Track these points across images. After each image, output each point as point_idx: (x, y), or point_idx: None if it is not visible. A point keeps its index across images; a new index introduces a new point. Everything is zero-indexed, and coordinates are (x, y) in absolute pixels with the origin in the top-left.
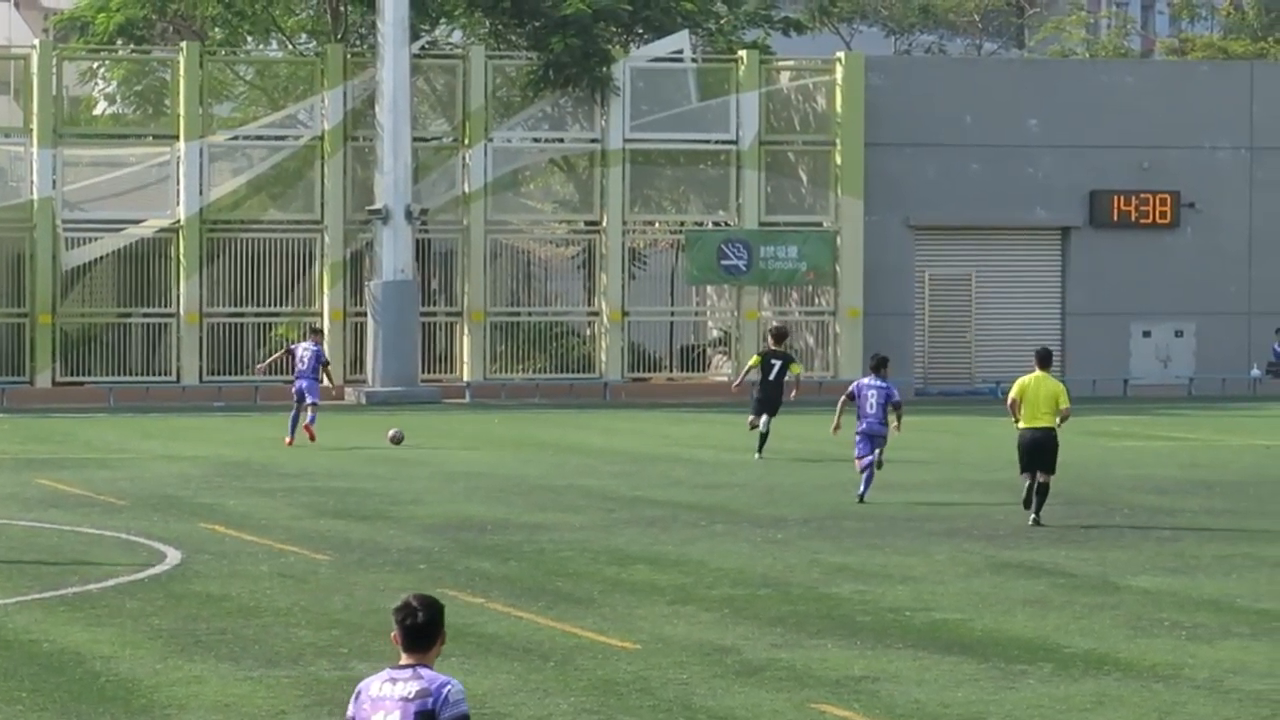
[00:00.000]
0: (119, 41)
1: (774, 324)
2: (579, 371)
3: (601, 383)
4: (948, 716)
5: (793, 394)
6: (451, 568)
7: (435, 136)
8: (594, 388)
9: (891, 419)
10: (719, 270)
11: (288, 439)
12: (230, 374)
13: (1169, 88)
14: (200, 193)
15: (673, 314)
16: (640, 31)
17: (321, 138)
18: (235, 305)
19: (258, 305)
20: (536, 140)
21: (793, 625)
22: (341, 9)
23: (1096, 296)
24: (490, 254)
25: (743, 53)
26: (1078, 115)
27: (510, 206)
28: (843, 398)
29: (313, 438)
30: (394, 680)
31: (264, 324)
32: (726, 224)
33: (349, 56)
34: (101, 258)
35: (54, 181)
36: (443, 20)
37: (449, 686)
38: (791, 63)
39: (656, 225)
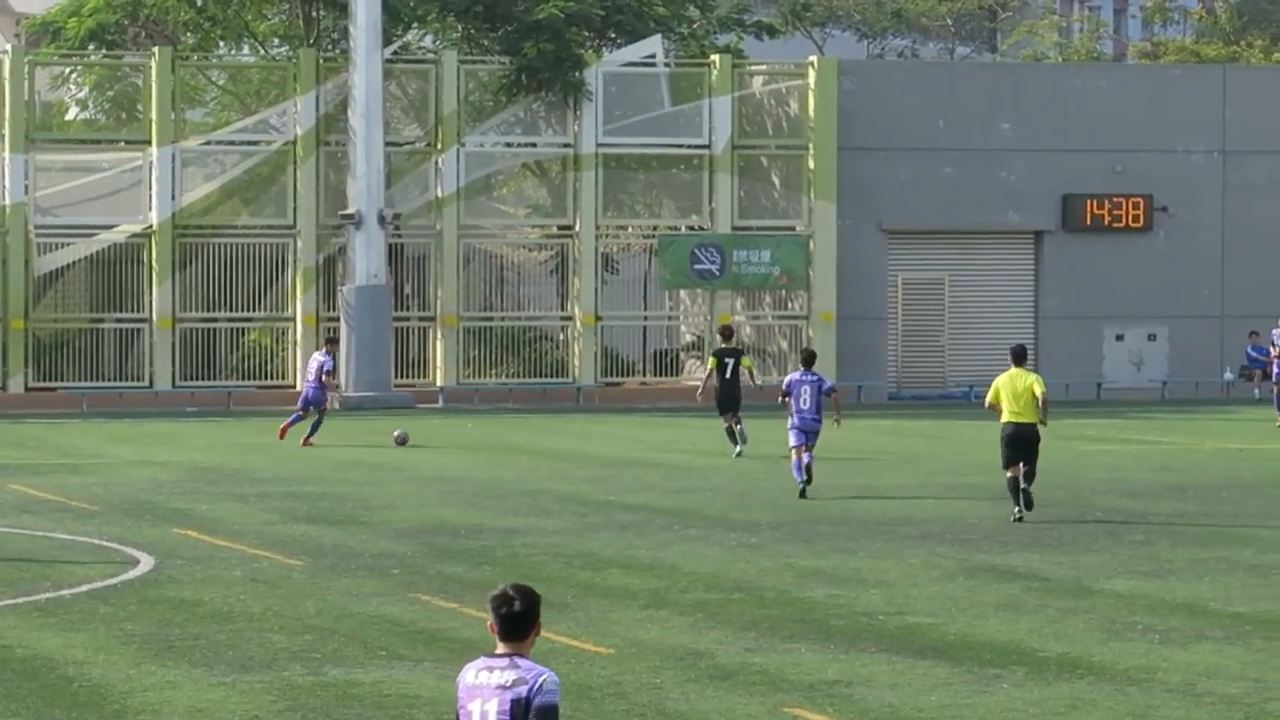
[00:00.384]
0: (91, 47)
1: (722, 323)
2: (552, 376)
3: (574, 387)
4: None
5: (758, 383)
6: (425, 572)
7: (408, 141)
8: (567, 392)
9: (830, 411)
10: (692, 275)
11: (280, 431)
12: (203, 379)
13: (1142, 92)
14: (173, 198)
15: (646, 318)
16: (613, 36)
17: (294, 143)
18: (208, 310)
19: (230, 310)
20: (509, 145)
21: (766, 629)
22: (314, 14)
23: (1069, 300)
24: (463, 259)
25: (715, 57)
26: (1050, 119)
27: (483, 211)
28: (781, 396)
29: (305, 444)
30: (490, 669)
31: (237, 329)
32: (699, 228)
33: (321, 61)
34: (74, 263)
35: (26, 187)
36: (415, 25)
37: (544, 676)
38: (764, 67)
39: (629, 230)
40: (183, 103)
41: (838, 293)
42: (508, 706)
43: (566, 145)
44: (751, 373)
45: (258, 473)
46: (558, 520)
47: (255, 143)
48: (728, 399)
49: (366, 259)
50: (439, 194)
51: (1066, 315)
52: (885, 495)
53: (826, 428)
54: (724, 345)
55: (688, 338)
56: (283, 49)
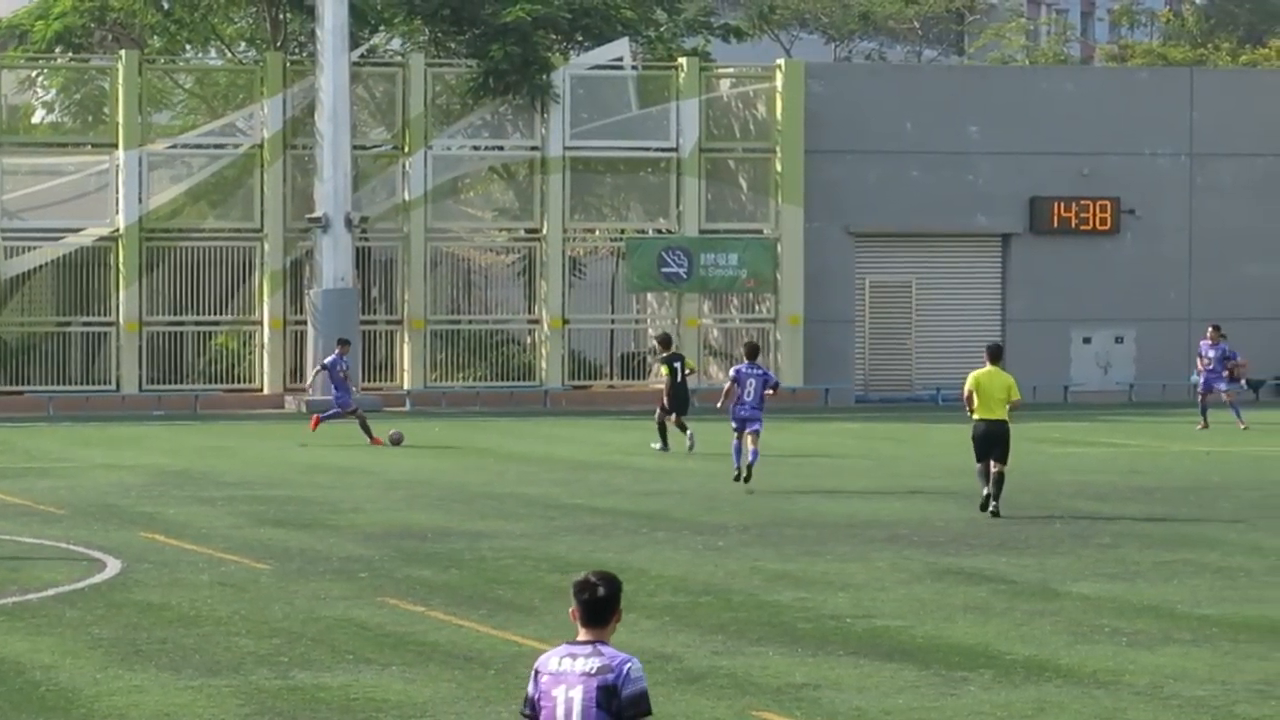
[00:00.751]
0: (57, 50)
1: (661, 334)
2: (519, 379)
3: (542, 390)
4: None
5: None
6: (392, 576)
7: (375, 144)
8: (534, 395)
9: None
10: (659, 278)
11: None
12: (170, 383)
13: (1109, 94)
14: (139, 201)
15: (613, 321)
16: (580, 39)
17: (261, 146)
18: (175, 314)
19: (197, 314)
20: (476, 148)
21: (734, 633)
22: (281, 17)
23: (1037, 303)
24: (430, 262)
25: (683, 60)
26: (1018, 122)
27: (450, 214)
28: (728, 384)
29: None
30: (573, 656)
31: (204, 333)
32: (667, 231)
33: (288, 64)
34: (40, 266)
35: None
36: (382, 28)
37: (630, 664)
38: (731, 70)
39: (597, 233)
40: (149, 106)
41: (805, 296)
42: (594, 693)
43: (534, 148)
44: (693, 371)
45: (224, 476)
46: (525, 523)
47: (222, 146)
48: (683, 401)
49: (333, 262)
50: (406, 197)
51: (1034, 318)
52: (852, 498)
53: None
54: (668, 352)
55: (654, 341)
56: (249, 52)
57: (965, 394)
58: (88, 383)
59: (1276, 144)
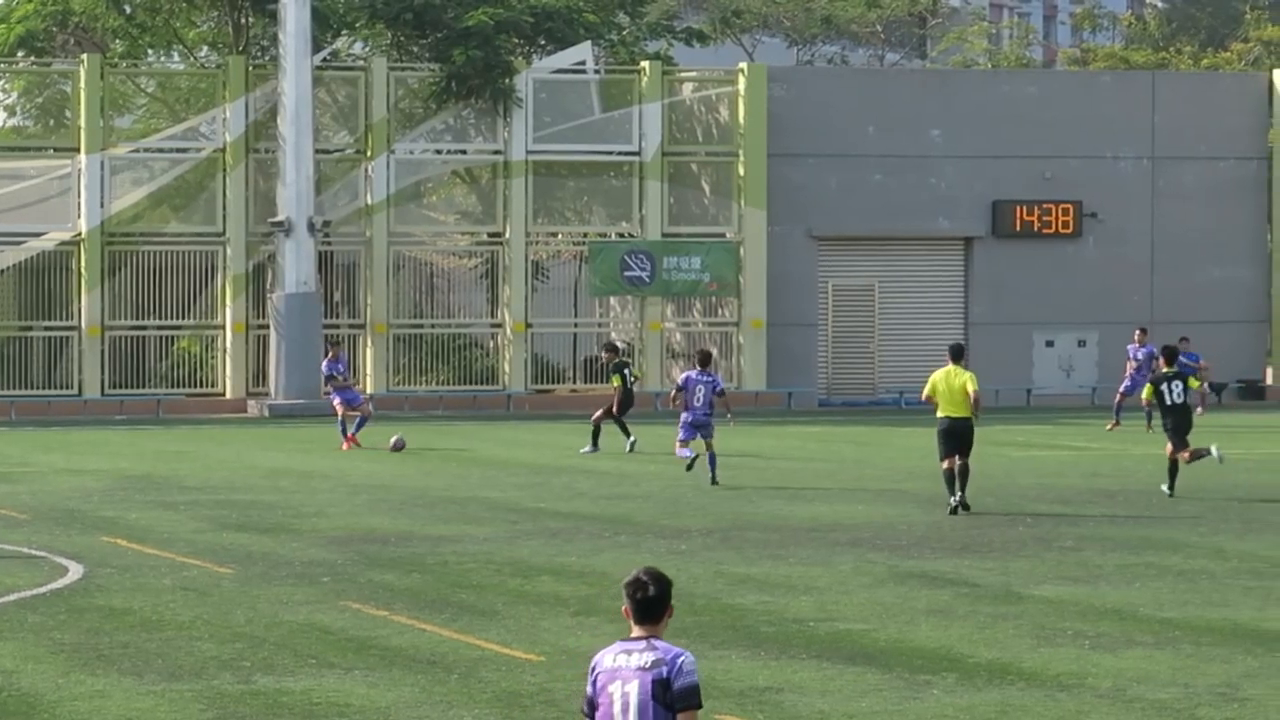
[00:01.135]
0: (19, 53)
1: (607, 342)
2: (482, 383)
3: (505, 394)
4: None
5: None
6: (355, 580)
7: (337, 148)
8: (497, 399)
9: (720, 410)
10: (622, 281)
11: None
12: (132, 387)
13: (1071, 98)
14: (101, 205)
15: (576, 325)
16: (542, 43)
17: (223, 150)
18: (137, 318)
19: (160, 318)
20: (439, 152)
21: (696, 636)
22: (243, 21)
23: (999, 306)
24: (393, 266)
25: (645, 64)
26: (980, 125)
27: (413, 218)
28: (674, 390)
29: (357, 443)
30: (628, 652)
31: (166, 337)
32: (629, 235)
33: (250, 68)
34: (2, 271)
35: None
36: (344, 32)
37: (683, 657)
38: (694, 74)
39: (559, 236)
40: (112, 110)
41: (768, 299)
42: (649, 687)
43: (496, 152)
44: (638, 379)
45: (187, 481)
46: (488, 527)
47: (184, 150)
48: (631, 403)
49: (296, 266)
50: (369, 201)
51: (996, 321)
52: (816, 501)
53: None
54: (620, 359)
55: (618, 344)
56: (211, 56)
57: (925, 396)
58: (50, 387)
59: (1238, 147)
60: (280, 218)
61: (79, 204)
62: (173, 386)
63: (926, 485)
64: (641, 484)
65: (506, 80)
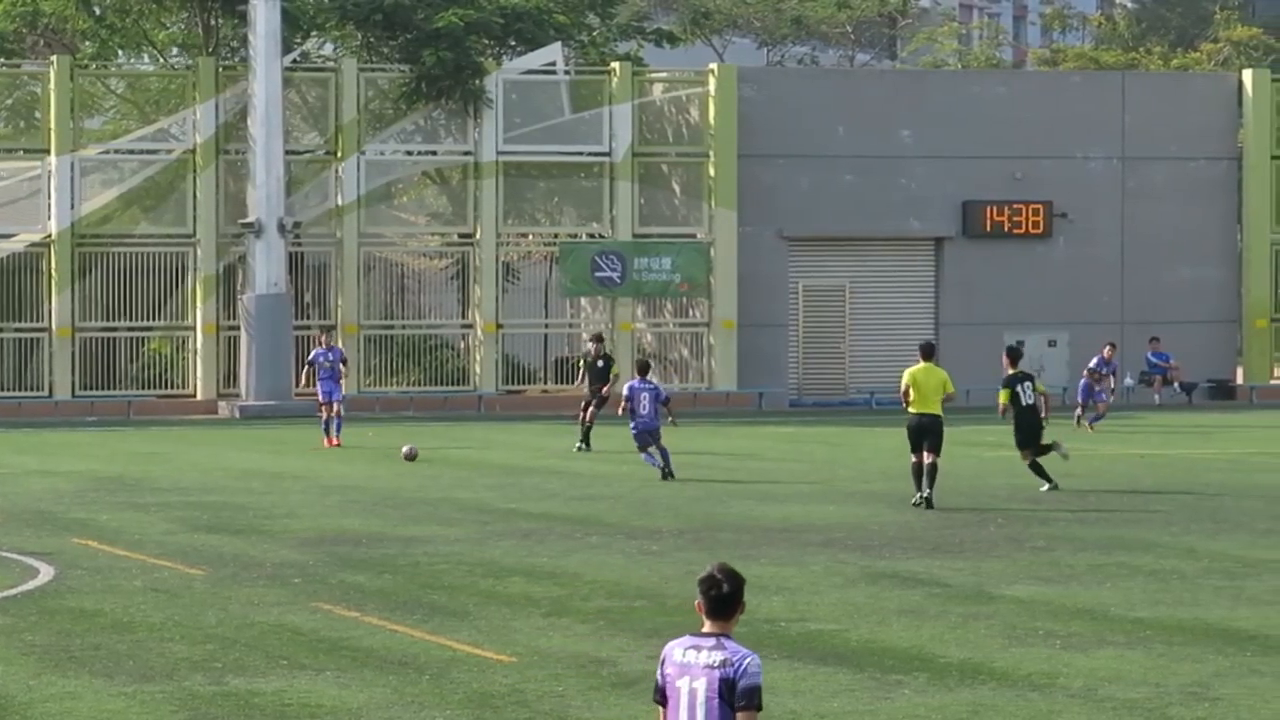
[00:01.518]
0: None
1: (594, 333)
2: (453, 384)
3: (476, 395)
4: None
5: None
6: (326, 581)
7: (308, 149)
8: (468, 400)
9: (665, 415)
10: (593, 282)
11: (326, 442)
12: (103, 389)
13: (1041, 98)
14: (72, 207)
15: (547, 326)
16: (513, 44)
17: (193, 151)
18: (108, 320)
19: (130, 320)
20: (409, 153)
21: (668, 636)
22: (213, 22)
23: (970, 306)
24: (364, 267)
25: (615, 65)
26: (950, 126)
27: (383, 219)
28: (624, 403)
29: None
30: (698, 648)
31: (137, 338)
32: (600, 236)
33: (220, 69)
34: None
35: None
36: (314, 33)
37: (749, 659)
38: (664, 74)
39: (530, 237)
40: (82, 111)
41: (739, 300)
42: (716, 686)
43: (467, 153)
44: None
45: (158, 482)
46: (459, 528)
47: (155, 151)
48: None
49: (267, 267)
50: (339, 202)
51: (967, 321)
52: (787, 502)
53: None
54: (605, 351)
55: (588, 345)
56: (181, 58)
57: (902, 389)
58: (20, 389)
59: (1208, 148)
60: (251, 219)
61: (49, 205)
62: (143, 388)
63: (898, 485)
64: (613, 485)
65: (477, 81)
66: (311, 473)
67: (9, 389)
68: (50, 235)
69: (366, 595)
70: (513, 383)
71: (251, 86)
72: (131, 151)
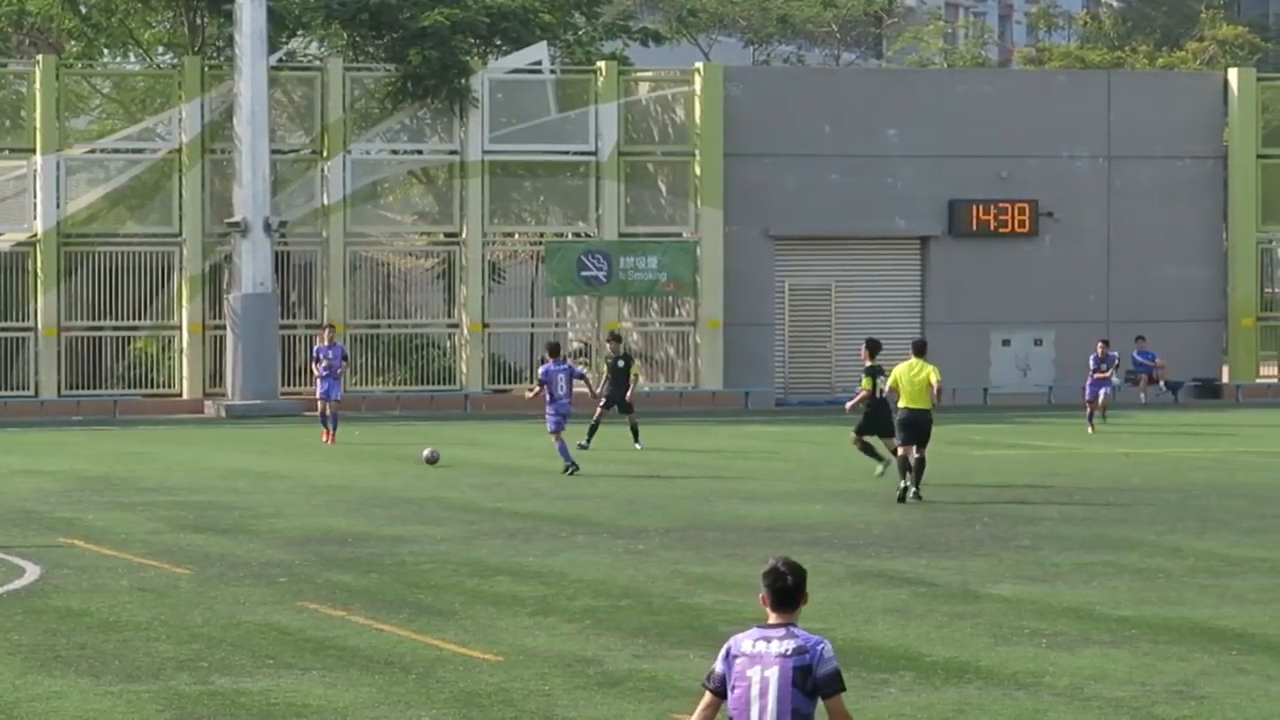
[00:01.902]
0: None
1: (611, 332)
2: (439, 383)
3: (462, 394)
4: None
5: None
6: (312, 580)
7: (293, 149)
8: (455, 399)
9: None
10: (579, 281)
11: (325, 436)
12: (89, 388)
13: (1027, 97)
14: (57, 206)
15: (533, 325)
16: (498, 43)
17: (179, 150)
18: (94, 319)
19: (116, 319)
20: (395, 152)
21: (655, 636)
22: (198, 21)
23: (956, 306)
24: (350, 266)
25: (601, 64)
26: (936, 125)
27: (369, 219)
28: (537, 385)
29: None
30: (768, 639)
31: (123, 338)
32: (586, 235)
33: (206, 69)
34: None
35: None
36: (300, 32)
37: (823, 645)
38: (650, 74)
39: (516, 237)
40: (67, 111)
41: (725, 299)
42: (789, 674)
43: (453, 152)
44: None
45: (144, 482)
46: (445, 528)
47: (140, 151)
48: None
49: (253, 267)
50: (325, 201)
51: (953, 320)
52: (773, 501)
53: None
54: (624, 352)
55: (575, 344)
56: (167, 57)
57: (888, 387)
58: (6, 388)
59: (1194, 147)
60: (237, 218)
61: (35, 205)
62: (129, 387)
63: (883, 485)
64: (599, 484)
65: (463, 80)
66: (298, 472)
67: None
68: (36, 234)
69: (352, 594)
70: (499, 382)
71: (237, 86)
72: (117, 151)
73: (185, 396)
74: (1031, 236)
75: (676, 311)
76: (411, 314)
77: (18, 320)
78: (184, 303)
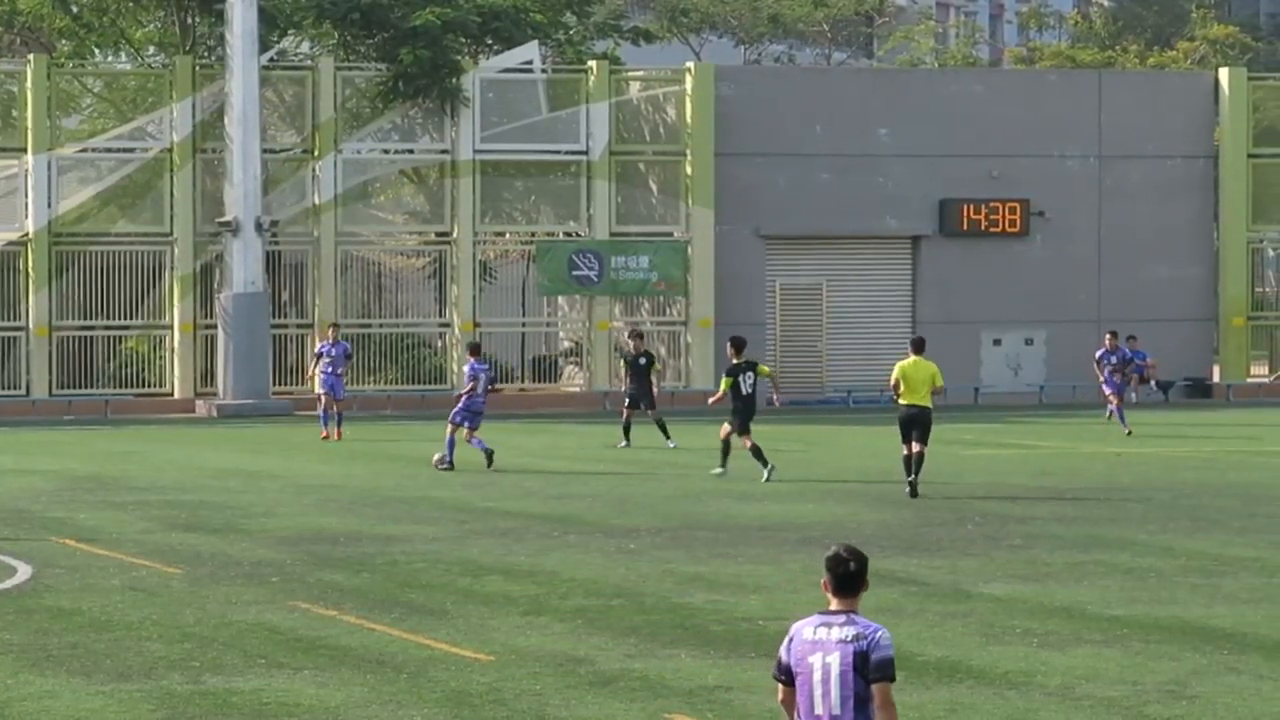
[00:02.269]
0: None
1: (632, 330)
2: (431, 383)
3: (453, 394)
4: None
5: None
6: (304, 580)
7: (285, 148)
8: (446, 399)
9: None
10: (570, 281)
11: (324, 434)
12: (80, 388)
13: (1018, 97)
14: (49, 205)
15: (524, 325)
16: (490, 43)
17: (171, 150)
18: (85, 318)
19: (108, 318)
20: (386, 151)
21: (646, 635)
22: (190, 21)
23: (947, 305)
24: (341, 266)
25: (592, 63)
26: (927, 124)
27: (361, 218)
28: (469, 384)
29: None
30: (828, 625)
31: (114, 337)
32: (577, 234)
33: (198, 68)
34: None
35: None
36: (291, 31)
37: (881, 632)
38: (641, 73)
39: (507, 236)
40: (59, 110)
41: (716, 298)
42: (850, 659)
43: (444, 152)
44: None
45: (136, 481)
46: (437, 527)
47: (132, 150)
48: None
49: (244, 266)
50: (316, 201)
51: (944, 320)
52: (765, 500)
53: None
54: (645, 348)
55: (566, 344)
56: (158, 56)
57: (892, 382)
58: None
59: (1184, 146)
60: (228, 218)
61: (26, 204)
62: (121, 387)
63: (875, 484)
64: (590, 483)
65: (454, 80)
66: (289, 472)
67: None
68: (27, 234)
69: (344, 594)
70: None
71: (229, 85)
72: (109, 150)
73: (177, 396)
74: (1022, 236)
75: (667, 311)
76: (403, 313)
77: (9, 320)
78: (175, 302)
